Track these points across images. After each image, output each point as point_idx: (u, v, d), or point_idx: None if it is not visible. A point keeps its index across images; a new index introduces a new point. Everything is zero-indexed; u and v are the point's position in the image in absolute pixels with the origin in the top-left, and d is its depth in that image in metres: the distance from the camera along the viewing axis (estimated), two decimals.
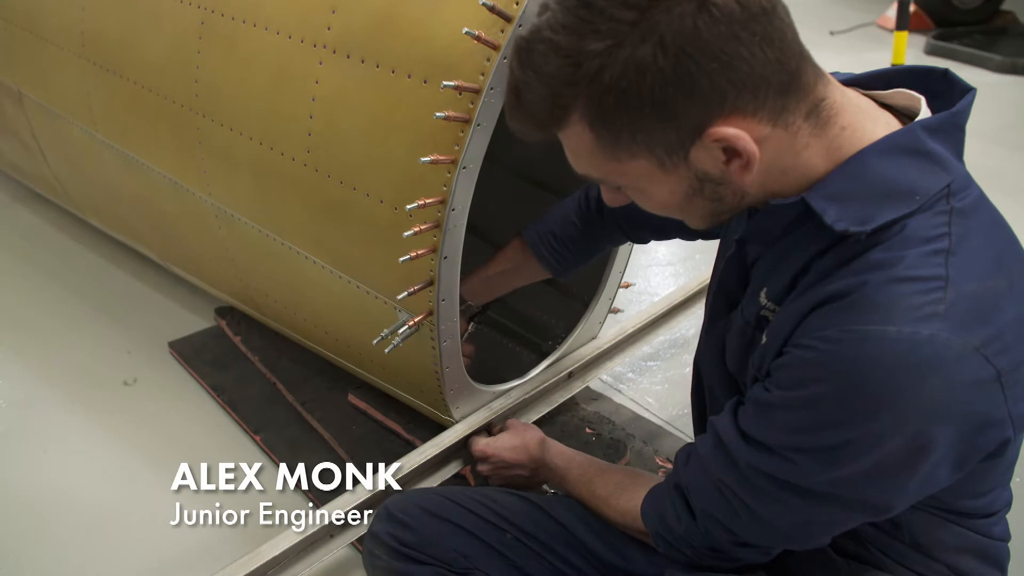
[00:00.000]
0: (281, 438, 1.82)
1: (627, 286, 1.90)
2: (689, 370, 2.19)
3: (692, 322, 2.36)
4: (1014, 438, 0.85)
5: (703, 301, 2.18)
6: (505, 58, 1.22)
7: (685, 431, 1.90)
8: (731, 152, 0.82)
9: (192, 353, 2.10)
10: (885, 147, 0.84)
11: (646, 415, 1.97)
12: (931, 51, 5.10)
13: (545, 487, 1.47)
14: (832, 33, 5.39)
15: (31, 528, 1.68)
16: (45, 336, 2.26)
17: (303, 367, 1.94)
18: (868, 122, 0.86)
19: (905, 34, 3.42)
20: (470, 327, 1.76)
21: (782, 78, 0.80)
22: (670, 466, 1.69)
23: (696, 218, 0.94)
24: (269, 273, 1.76)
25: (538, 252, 1.53)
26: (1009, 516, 1.05)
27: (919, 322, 0.77)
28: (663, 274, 2.69)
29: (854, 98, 0.88)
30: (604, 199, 0.99)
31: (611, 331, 1.91)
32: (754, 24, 0.77)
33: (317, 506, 1.43)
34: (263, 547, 1.33)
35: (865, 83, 0.94)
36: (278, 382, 1.93)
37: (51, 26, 2.03)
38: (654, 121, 0.80)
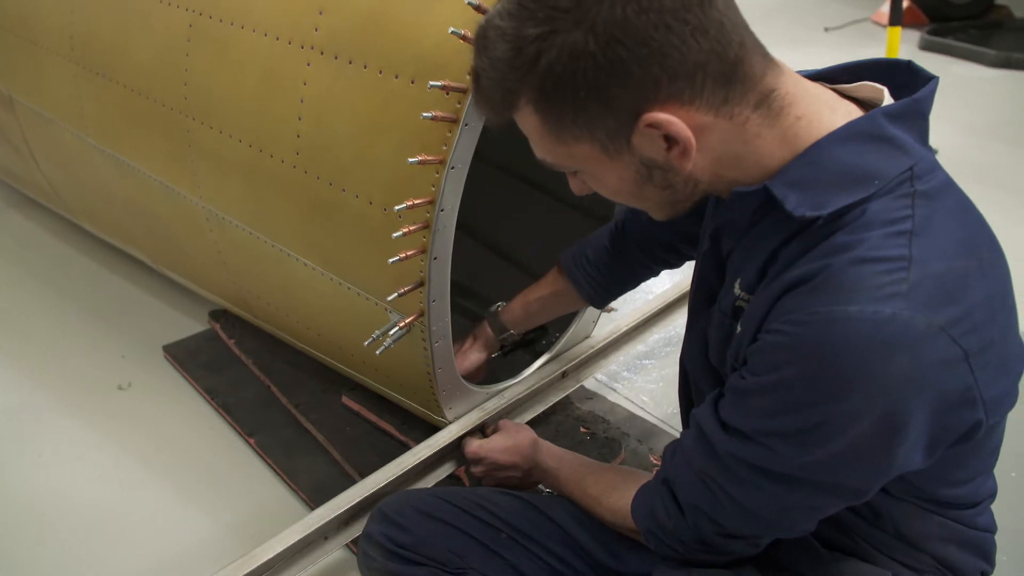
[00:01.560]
0: (275, 441, 1.82)
1: None
2: None
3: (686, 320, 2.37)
4: (986, 421, 0.85)
5: None
6: None
7: (680, 429, 1.89)
8: (670, 139, 0.84)
9: (186, 356, 2.10)
10: (845, 134, 0.85)
11: (641, 414, 1.97)
12: (925, 46, 5.10)
13: (540, 487, 1.47)
14: (827, 29, 5.40)
15: (27, 532, 1.68)
16: (39, 341, 2.26)
17: (297, 369, 1.94)
18: (826, 111, 0.87)
19: (898, 29, 3.42)
20: (496, 354, 1.75)
21: (721, 68, 0.82)
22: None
23: (655, 207, 0.97)
24: (261, 275, 1.76)
25: (573, 277, 1.53)
26: (999, 508, 1.05)
27: (880, 301, 0.78)
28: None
29: (812, 89, 0.89)
30: (571, 187, 1.02)
31: (605, 330, 1.91)
32: (686, 14, 0.79)
33: (312, 508, 1.43)
34: (257, 550, 1.32)
35: (830, 77, 0.96)
36: (272, 385, 1.93)
37: (41, 30, 2.03)
38: (592, 106, 0.83)
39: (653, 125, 0.83)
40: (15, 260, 2.62)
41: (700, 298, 1.09)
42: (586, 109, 0.84)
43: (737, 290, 0.95)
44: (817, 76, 0.95)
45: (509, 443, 1.44)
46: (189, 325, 2.26)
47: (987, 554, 1.04)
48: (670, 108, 0.82)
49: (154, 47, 1.71)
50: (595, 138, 0.87)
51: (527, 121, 0.89)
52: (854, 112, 0.89)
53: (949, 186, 0.88)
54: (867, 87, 0.92)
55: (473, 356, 1.67)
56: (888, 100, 0.89)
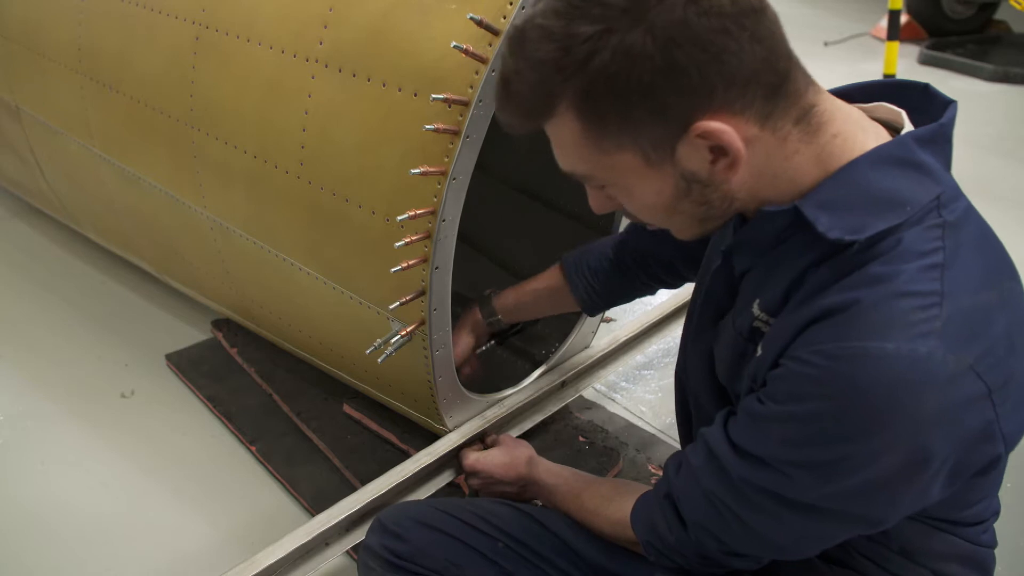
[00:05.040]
0: (277, 448, 1.83)
1: None
2: None
3: None
4: (1005, 454, 0.86)
5: None
6: (494, 71, 1.24)
7: (678, 439, 1.91)
8: (717, 151, 0.82)
9: (189, 365, 2.12)
10: (878, 157, 0.84)
11: (639, 423, 1.98)
12: (924, 61, 5.13)
13: (536, 502, 1.48)
14: (826, 44, 5.43)
15: (30, 540, 1.69)
16: (43, 349, 2.27)
17: (299, 378, 1.96)
18: (859, 132, 0.86)
19: (896, 44, 3.45)
20: (487, 344, 1.75)
21: (771, 79, 0.81)
22: (662, 473, 1.70)
23: (684, 226, 0.93)
24: (264, 285, 1.78)
25: (571, 279, 1.53)
26: (997, 521, 1.06)
27: (917, 339, 0.77)
28: None
29: (844, 108, 0.88)
30: (591, 204, 0.98)
31: (604, 340, 1.93)
32: (744, 20, 0.78)
33: (313, 515, 1.44)
34: (259, 555, 1.33)
35: (847, 96, 0.94)
36: (274, 393, 1.94)
37: (48, 42, 2.05)
38: (642, 111, 0.80)
39: (704, 135, 0.80)
40: (20, 269, 2.63)
41: (707, 314, 1.07)
42: (634, 115, 0.80)
43: (756, 311, 0.93)
44: (837, 94, 0.93)
45: (506, 459, 1.45)
46: (192, 334, 2.27)
47: (987, 569, 1.04)
48: (722, 117, 0.80)
49: (160, 59, 1.74)
50: (638, 146, 0.83)
51: (564, 127, 0.85)
52: (882, 134, 0.88)
53: (971, 213, 0.87)
54: (884, 108, 0.91)
55: (461, 341, 1.64)
56: (907, 123, 0.89)
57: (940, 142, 0.87)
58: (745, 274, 0.98)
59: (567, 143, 0.87)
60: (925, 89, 0.92)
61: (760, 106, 0.81)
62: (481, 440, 1.60)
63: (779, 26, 0.82)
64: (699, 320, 1.09)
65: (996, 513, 1.03)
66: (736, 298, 1.00)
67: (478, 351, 1.71)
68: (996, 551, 1.06)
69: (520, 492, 1.42)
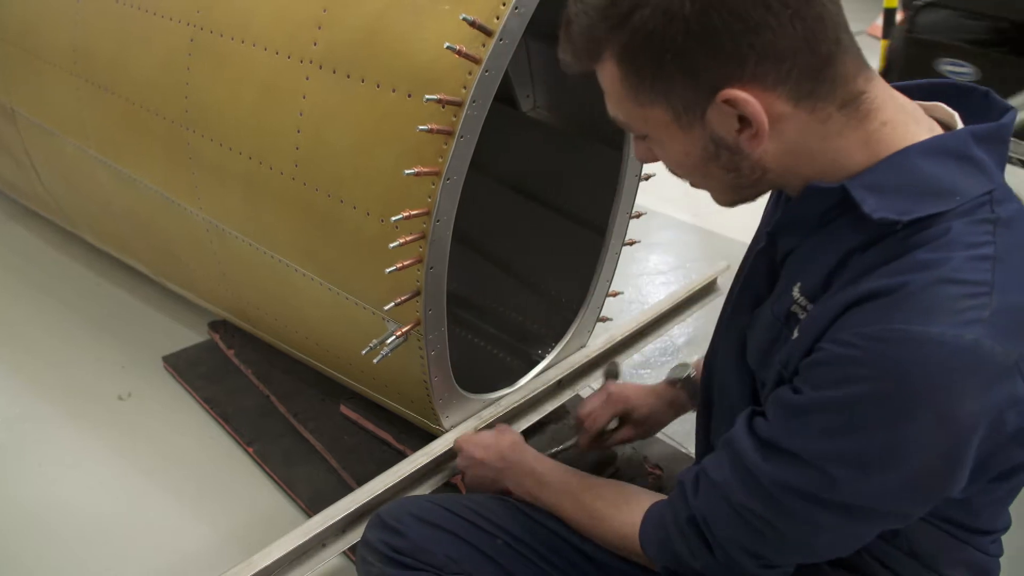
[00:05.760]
0: (274, 449, 1.84)
1: (615, 295, 1.92)
2: None
3: (683, 330, 2.39)
4: None
5: (693, 309, 2.21)
6: (487, 72, 1.24)
7: (675, 438, 1.91)
8: (744, 120, 0.83)
9: (186, 367, 2.12)
10: (932, 147, 0.84)
11: None
12: None
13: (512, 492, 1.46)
14: None
15: (28, 541, 1.69)
16: (40, 351, 2.28)
17: (296, 379, 1.96)
18: (912, 123, 0.86)
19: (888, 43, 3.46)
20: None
21: (810, 60, 0.81)
22: (659, 472, 1.70)
23: (718, 189, 0.95)
24: (260, 286, 1.78)
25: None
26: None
27: (962, 326, 0.76)
28: (654, 283, 2.72)
29: (900, 99, 0.88)
30: (634, 152, 1.00)
31: (600, 340, 1.93)
32: None
33: (310, 516, 1.44)
34: (256, 556, 1.33)
35: (908, 92, 0.93)
36: (271, 394, 1.95)
37: (44, 44, 2.05)
38: (675, 71, 0.82)
39: (730, 102, 0.82)
40: (16, 271, 2.64)
41: (746, 297, 1.05)
42: (668, 74, 0.83)
43: (796, 294, 0.92)
44: (898, 89, 0.92)
45: (490, 440, 1.42)
46: (189, 335, 2.28)
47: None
48: (751, 89, 0.81)
49: (156, 61, 1.74)
50: (670, 105, 0.85)
51: (607, 74, 0.88)
52: (936, 129, 0.88)
53: (1023, 214, 0.87)
54: (940, 108, 0.91)
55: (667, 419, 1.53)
56: (960, 126, 0.88)
57: (996, 142, 0.87)
58: (787, 258, 0.97)
59: (610, 90, 0.90)
60: (986, 95, 0.92)
61: (796, 85, 0.82)
62: None
63: (834, 9, 0.82)
64: (736, 303, 1.08)
65: (1006, 528, 1.02)
66: (776, 284, 0.99)
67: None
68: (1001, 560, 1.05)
69: (496, 477, 1.36)
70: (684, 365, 1.50)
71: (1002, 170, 0.88)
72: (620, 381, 1.72)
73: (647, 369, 2.24)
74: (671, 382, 1.50)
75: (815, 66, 0.81)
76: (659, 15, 0.80)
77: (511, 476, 1.34)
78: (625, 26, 0.82)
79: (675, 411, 1.52)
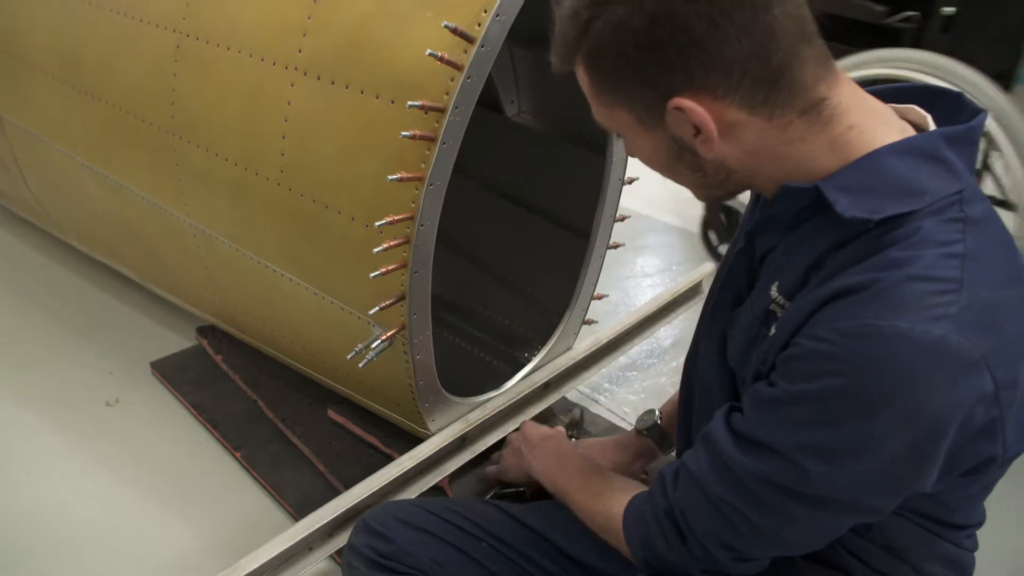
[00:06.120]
0: (262, 454, 1.84)
1: (600, 297, 1.93)
2: (666, 380, 2.21)
3: (669, 332, 2.40)
4: (1002, 456, 0.86)
5: (679, 311, 2.22)
6: (469, 78, 1.25)
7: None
8: (696, 126, 0.86)
9: (174, 372, 2.12)
10: (903, 148, 0.85)
11: (622, 424, 2.00)
12: None
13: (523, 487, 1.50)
14: None
15: (13, 548, 1.69)
16: (27, 357, 2.27)
17: (283, 384, 1.96)
18: (881, 126, 0.88)
19: None
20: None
21: (762, 71, 0.83)
22: (644, 477, 1.71)
23: (690, 186, 0.99)
24: (247, 291, 1.79)
25: None
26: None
27: (931, 321, 0.78)
28: (640, 286, 2.73)
29: (870, 102, 0.90)
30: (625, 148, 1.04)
31: (586, 342, 1.94)
32: (735, 13, 0.81)
33: (297, 520, 1.45)
34: (242, 560, 1.34)
35: (881, 96, 0.95)
36: (259, 399, 1.95)
37: (30, 49, 2.05)
38: (630, 79, 0.87)
39: (679, 109, 0.85)
40: (2, 277, 2.63)
41: (726, 296, 1.08)
42: (625, 80, 0.88)
43: (774, 293, 0.94)
44: (871, 94, 0.95)
45: (548, 431, 1.50)
46: (176, 341, 2.27)
47: (966, 570, 1.05)
48: (702, 97, 0.85)
49: (142, 67, 1.74)
50: (632, 108, 0.90)
51: (581, 77, 0.93)
52: (908, 131, 0.89)
53: (993, 215, 0.89)
54: (914, 111, 0.93)
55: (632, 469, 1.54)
56: (932, 127, 0.90)
57: (967, 143, 0.89)
58: (766, 257, 0.99)
59: (585, 91, 0.95)
60: (959, 97, 0.94)
61: (748, 94, 0.84)
62: None
63: (789, 23, 0.83)
64: (717, 302, 1.10)
65: (980, 523, 1.03)
66: (755, 283, 1.01)
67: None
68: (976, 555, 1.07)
69: (529, 455, 1.44)
70: (651, 412, 1.53)
71: (972, 172, 0.89)
72: (584, 430, 1.81)
73: (633, 371, 2.25)
74: (639, 431, 1.53)
75: (768, 77, 0.84)
76: (611, 27, 0.84)
77: (540, 455, 1.40)
78: (587, 34, 0.87)
79: (643, 461, 1.54)
